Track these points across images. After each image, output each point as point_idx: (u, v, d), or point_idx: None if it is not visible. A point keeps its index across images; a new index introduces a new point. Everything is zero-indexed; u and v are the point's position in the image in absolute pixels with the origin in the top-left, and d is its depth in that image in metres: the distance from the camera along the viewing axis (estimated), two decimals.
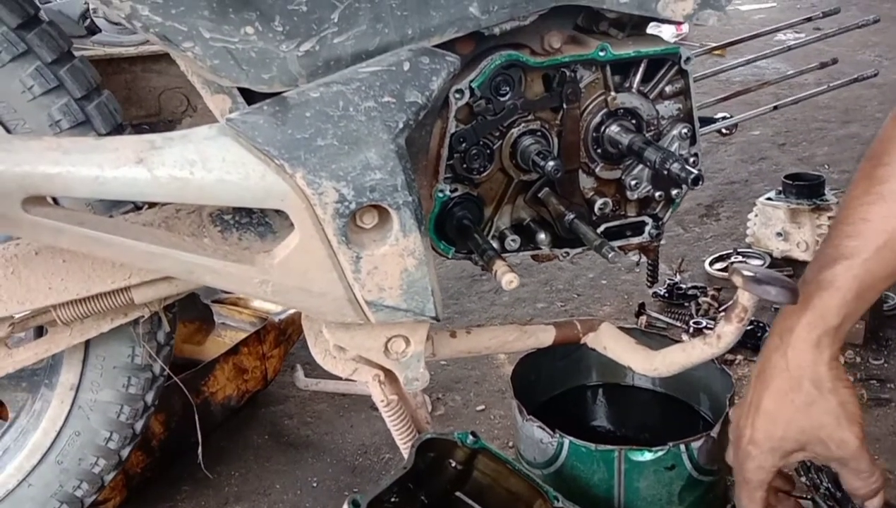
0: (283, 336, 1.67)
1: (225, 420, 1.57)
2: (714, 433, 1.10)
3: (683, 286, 1.89)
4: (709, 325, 1.73)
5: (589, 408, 1.48)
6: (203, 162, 0.74)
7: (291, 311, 1.69)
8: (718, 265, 2.02)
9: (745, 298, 0.87)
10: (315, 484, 1.43)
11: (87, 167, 0.74)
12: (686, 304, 1.83)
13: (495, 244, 1.10)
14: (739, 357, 1.62)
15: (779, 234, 1.91)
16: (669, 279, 1.92)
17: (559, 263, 2.24)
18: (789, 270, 1.89)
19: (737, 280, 0.85)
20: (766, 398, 0.86)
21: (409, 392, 1.18)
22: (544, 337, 1.22)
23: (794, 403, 0.83)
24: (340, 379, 1.16)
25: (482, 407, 1.61)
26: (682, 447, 1.08)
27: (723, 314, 1.09)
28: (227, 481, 1.45)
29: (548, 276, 2.16)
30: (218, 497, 1.41)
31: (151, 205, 0.92)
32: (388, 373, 1.12)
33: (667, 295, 1.87)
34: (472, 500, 1.10)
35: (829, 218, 1.85)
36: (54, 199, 0.90)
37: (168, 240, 0.80)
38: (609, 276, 2.11)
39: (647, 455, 1.08)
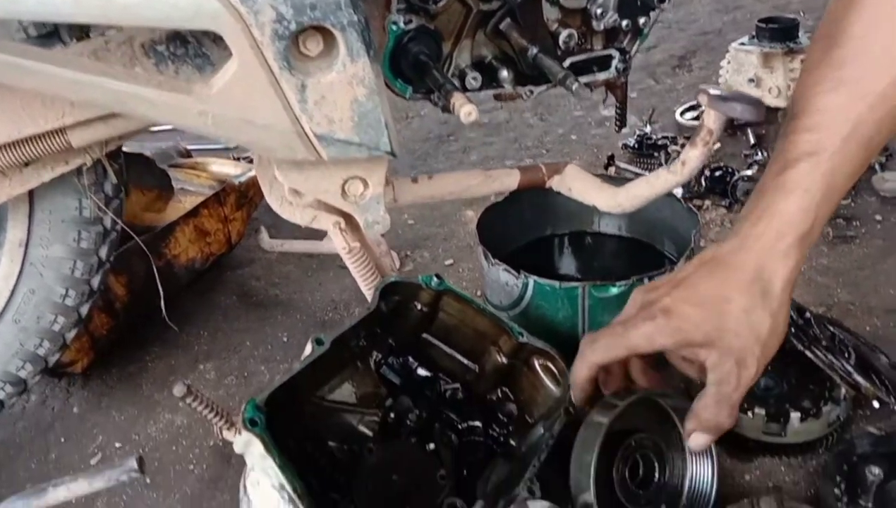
0: (245, 198, 1.63)
1: (190, 282, 1.55)
2: (678, 267, 1.10)
3: (653, 136, 1.85)
4: None
5: (556, 257, 1.48)
6: None
7: (251, 174, 1.64)
8: (689, 115, 1.98)
9: (710, 119, 0.85)
10: (285, 339, 1.43)
11: None
12: (655, 154, 1.81)
13: (455, 83, 1.05)
14: (707, 202, 1.62)
15: (751, 80, 1.86)
16: (639, 130, 1.89)
17: (528, 120, 2.20)
18: None
19: (702, 99, 0.82)
20: (706, 282, 0.75)
21: (372, 238, 1.16)
22: (509, 181, 1.19)
23: (731, 302, 0.73)
24: (300, 227, 1.13)
25: (451, 261, 1.60)
26: (646, 281, 1.08)
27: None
28: (196, 341, 1.45)
29: (517, 134, 2.12)
30: (187, 357, 1.41)
31: (79, 41, 0.85)
32: (349, 220, 1.09)
33: (636, 145, 1.84)
34: (439, 341, 1.10)
35: (802, 61, 1.80)
36: None
37: (97, 68, 0.74)
38: (578, 132, 2.07)
39: (611, 291, 1.08)
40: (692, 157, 0.89)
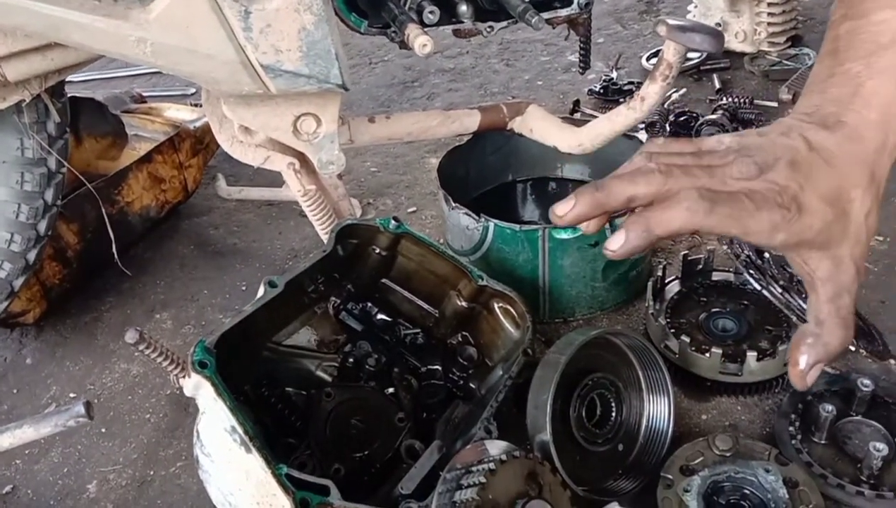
0: (201, 145, 1.58)
1: (146, 231, 1.51)
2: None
3: (619, 82, 1.83)
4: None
5: (519, 204, 1.46)
6: None
7: (206, 119, 1.59)
8: (656, 60, 1.96)
9: (670, 53, 0.83)
10: (244, 288, 1.40)
11: None
12: (621, 100, 1.78)
13: (413, 17, 1.02)
14: None
15: (717, 25, 1.84)
16: (605, 76, 1.86)
17: (494, 66, 2.16)
18: (727, 62, 1.84)
19: (661, 29, 0.80)
20: (827, 175, 0.61)
21: (329, 182, 1.13)
22: (469, 121, 1.17)
23: (853, 203, 0.62)
24: (259, 175, 1.10)
25: (413, 209, 1.58)
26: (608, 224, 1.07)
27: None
28: (153, 290, 1.42)
29: (482, 80, 2.08)
30: (144, 306, 1.38)
31: None
32: (304, 162, 1.06)
33: (602, 91, 1.82)
34: (398, 286, 1.09)
35: (769, 4, 1.78)
36: None
37: None
38: (545, 77, 2.04)
39: (571, 233, 1.07)
40: (651, 92, 0.87)
